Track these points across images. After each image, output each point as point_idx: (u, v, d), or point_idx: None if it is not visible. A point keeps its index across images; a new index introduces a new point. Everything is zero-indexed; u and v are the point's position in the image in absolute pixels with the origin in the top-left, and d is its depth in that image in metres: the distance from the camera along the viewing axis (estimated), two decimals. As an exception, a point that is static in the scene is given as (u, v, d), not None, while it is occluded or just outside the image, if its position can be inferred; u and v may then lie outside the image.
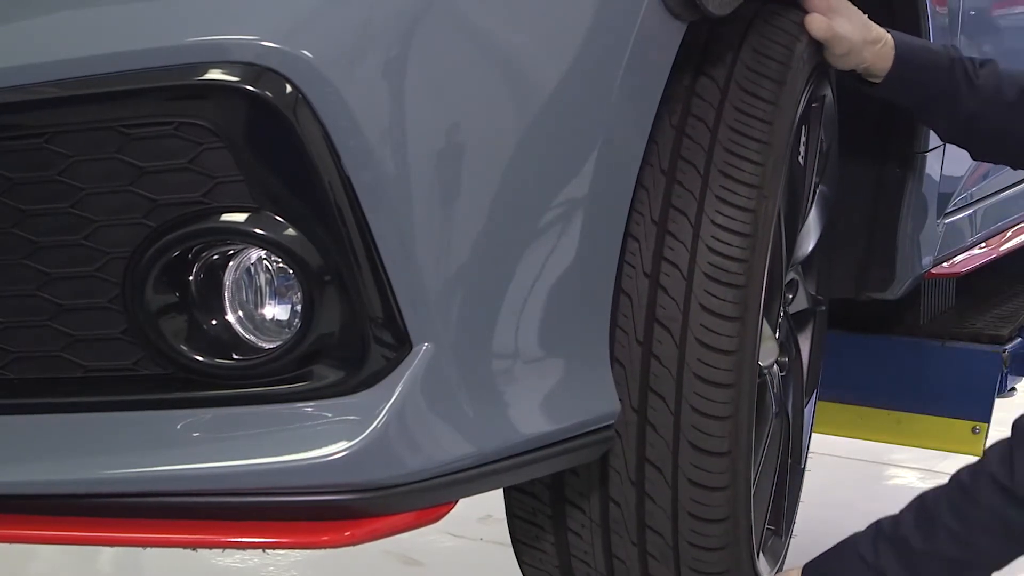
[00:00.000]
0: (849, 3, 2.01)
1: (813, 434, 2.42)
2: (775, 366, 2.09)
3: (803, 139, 2.01)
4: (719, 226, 1.72)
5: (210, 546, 1.52)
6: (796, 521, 2.27)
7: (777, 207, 1.82)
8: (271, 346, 1.46)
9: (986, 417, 2.67)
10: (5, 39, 1.42)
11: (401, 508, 1.48)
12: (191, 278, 1.45)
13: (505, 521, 1.91)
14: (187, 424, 1.46)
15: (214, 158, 1.40)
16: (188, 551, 1.56)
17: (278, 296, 1.47)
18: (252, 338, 1.47)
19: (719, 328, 1.71)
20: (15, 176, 1.43)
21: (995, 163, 2.39)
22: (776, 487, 2.15)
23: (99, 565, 3.15)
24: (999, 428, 2.65)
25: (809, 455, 2.36)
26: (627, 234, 1.72)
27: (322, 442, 1.43)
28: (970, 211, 2.77)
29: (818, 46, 1.95)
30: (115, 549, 3.10)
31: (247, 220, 1.42)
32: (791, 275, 2.18)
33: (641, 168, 1.70)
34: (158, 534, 1.48)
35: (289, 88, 1.38)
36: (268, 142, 1.40)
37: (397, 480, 1.46)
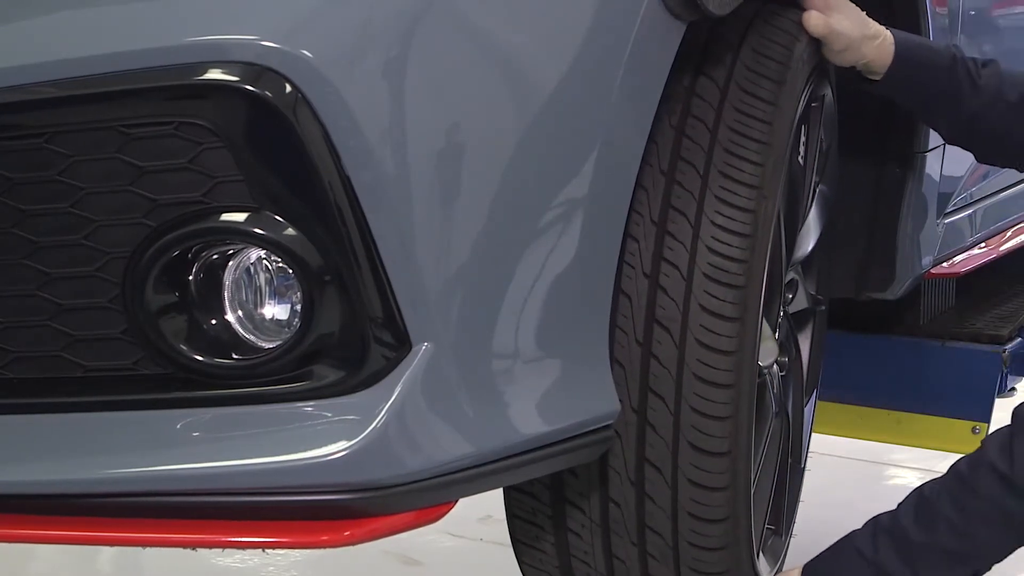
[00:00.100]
0: (847, 0, 2.01)
1: (813, 434, 2.42)
2: (775, 366, 2.09)
3: (803, 139, 2.01)
4: (719, 227, 1.72)
5: (210, 546, 1.52)
6: (796, 521, 2.27)
7: (777, 207, 1.82)
8: (271, 346, 1.46)
9: (986, 417, 2.67)
10: (5, 39, 1.42)
11: (401, 508, 1.48)
12: (191, 278, 1.45)
13: (505, 521, 1.91)
14: (187, 424, 1.46)
15: (214, 158, 1.40)
16: (188, 551, 1.56)
17: (278, 296, 1.47)
18: (252, 338, 1.47)
19: (719, 328, 1.71)
20: (15, 176, 1.43)
21: (1000, 165, 2.39)
22: (776, 487, 2.15)
23: (99, 565, 3.15)
24: (999, 428, 2.65)
25: (809, 455, 2.37)
26: (627, 234, 1.72)
27: (322, 442, 1.43)
28: (970, 211, 2.78)
29: (817, 45, 1.95)
30: (115, 549, 3.10)
31: (247, 220, 1.42)
32: (791, 275, 2.18)
33: (641, 168, 1.70)
34: (158, 534, 1.47)
35: (289, 88, 1.38)
36: (268, 142, 1.40)
37: (397, 480, 1.46)
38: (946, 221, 2.59)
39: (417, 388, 1.46)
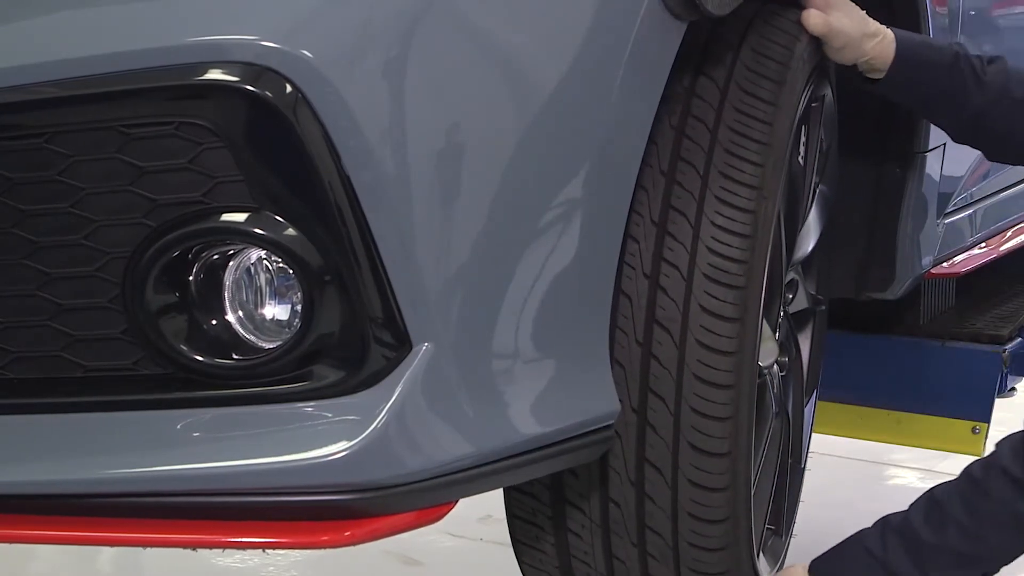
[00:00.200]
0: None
1: (813, 434, 2.42)
2: (775, 366, 2.09)
3: (803, 139, 2.01)
4: (719, 227, 1.72)
5: (210, 546, 1.51)
6: (796, 521, 2.27)
7: (777, 208, 1.82)
8: (271, 346, 1.46)
9: (986, 417, 2.67)
10: (5, 39, 1.42)
11: (401, 508, 1.48)
12: (191, 278, 1.45)
13: (505, 521, 1.91)
14: (187, 424, 1.46)
15: (214, 158, 1.40)
16: (188, 551, 1.56)
17: (278, 296, 1.47)
18: (252, 338, 1.47)
19: (719, 329, 1.71)
20: (15, 176, 1.43)
21: (1010, 163, 2.38)
22: (776, 487, 2.15)
23: (99, 565, 3.15)
24: (999, 428, 2.65)
25: (809, 455, 2.36)
26: (627, 235, 1.72)
27: (322, 442, 1.43)
28: (970, 211, 2.77)
29: (818, 45, 1.95)
30: (115, 549, 3.10)
31: (247, 220, 1.42)
32: (791, 275, 2.18)
33: (641, 169, 1.70)
34: (158, 534, 1.47)
35: (289, 88, 1.38)
36: (268, 142, 1.40)
37: (397, 480, 1.46)
38: (946, 221, 2.59)
39: (417, 388, 1.46)
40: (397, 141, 1.42)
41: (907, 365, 2.74)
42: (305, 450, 1.43)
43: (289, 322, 1.46)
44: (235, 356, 1.46)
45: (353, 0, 1.42)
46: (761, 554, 2.00)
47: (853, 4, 2.01)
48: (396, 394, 1.44)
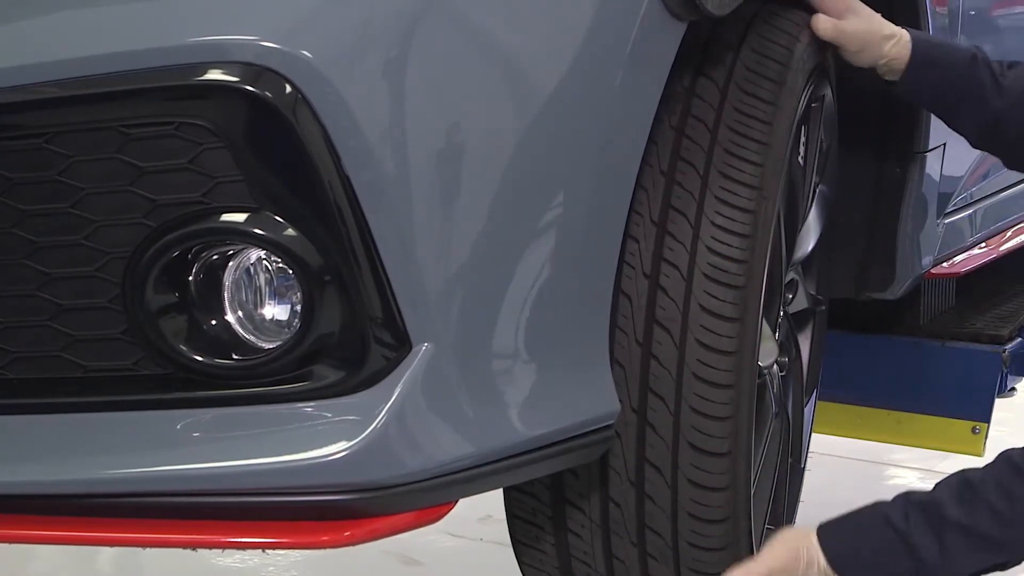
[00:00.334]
0: (859, 1, 2.00)
1: (813, 434, 2.42)
2: (775, 366, 2.09)
3: (803, 139, 2.01)
4: (719, 227, 1.72)
5: (210, 546, 1.51)
6: (796, 521, 2.27)
7: (777, 208, 1.82)
8: (271, 346, 1.46)
9: (986, 417, 2.67)
10: (5, 39, 1.42)
11: (401, 508, 1.48)
12: (191, 278, 1.45)
13: (505, 521, 1.91)
14: (187, 424, 1.46)
15: (214, 158, 1.40)
16: (188, 551, 1.56)
17: (278, 296, 1.47)
18: (252, 338, 1.47)
19: (719, 329, 1.71)
20: (15, 176, 1.43)
21: None
22: (776, 487, 2.15)
23: (99, 565, 3.15)
24: (999, 428, 2.65)
25: (809, 455, 2.36)
26: (627, 235, 1.72)
27: (322, 442, 1.43)
28: (970, 211, 2.77)
29: (818, 45, 1.95)
30: (115, 549, 3.10)
31: (247, 220, 1.42)
32: (791, 275, 2.18)
33: (641, 169, 1.70)
34: (158, 534, 1.48)
35: (289, 88, 1.38)
36: (268, 142, 1.40)
37: (397, 480, 1.46)
38: (946, 221, 2.59)
39: (417, 388, 1.46)
40: (397, 141, 1.42)
41: (907, 365, 2.74)
42: (305, 450, 1.43)
43: (289, 322, 1.46)
44: (235, 356, 1.46)
45: (353, 0, 1.42)
46: (761, 554, 2.00)
47: (868, 8, 2.01)
48: (396, 394, 1.44)
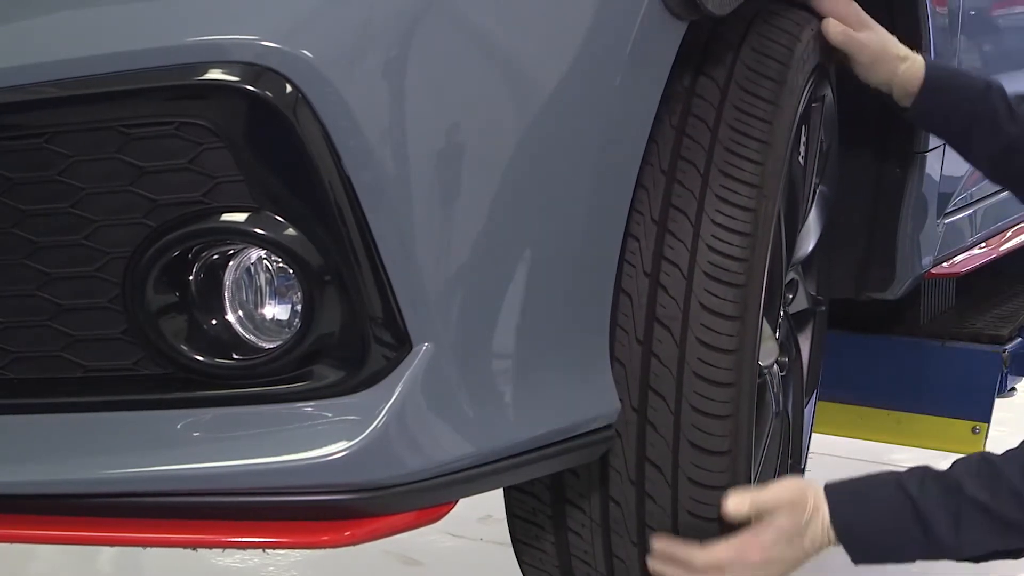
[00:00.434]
0: (876, 23, 2.00)
1: (813, 434, 2.42)
2: (775, 366, 2.09)
3: (803, 139, 2.01)
4: (719, 225, 1.72)
5: (210, 546, 1.52)
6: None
7: (777, 207, 1.82)
8: (271, 346, 1.46)
9: (986, 417, 2.67)
10: (5, 39, 1.42)
11: (401, 508, 1.48)
12: (191, 278, 1.45)
13: (505, 521, 1.91)
14: (187, 424, 1.46)
15: (214, 158, 1.40)
16: (188, 551, 1.56)
17: (278, 296, 1.47)
18: (252, 338, 1.47)
19: (719, 327, 1.71)
20: (15, 176, 1.43)
21: None
22: (776, 487, 2.15)
23: (99, 565, 3.15)
24: (999, 428, 2.65)
25: (809, 455, 2.36)
26: (627, 233, 1.72)
27: (322, 442, 1.43)
28: (970, 211, 2.77)
29: (818, 45, 1.95)
30: (115, 549, 3.10)
31: (247, 220, 1.42)
32: (791, 275, 2.19)
33: (641, 167, 1.70)
34: (158, 534, 1.48)
35: (289, 88, 1.38)
36: (268, 142, 1.40)
37: (397, 480, 1.46)
38: (946, 221, 2.59)
39: (417, 388, 1.46)
40: (397, 141, 1.42)
41: (907, 365, 2.74)
42: (305, 450, 1.43)
43: (289, 322, 1.46)
44: (235, 356, 1.46)
45: (353, 0, 1.42)
46: (761, 554, 2.00)
47: (883, 28, 2.01)
48: (396, 394, 1.44)
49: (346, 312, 1.43)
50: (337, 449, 1.43)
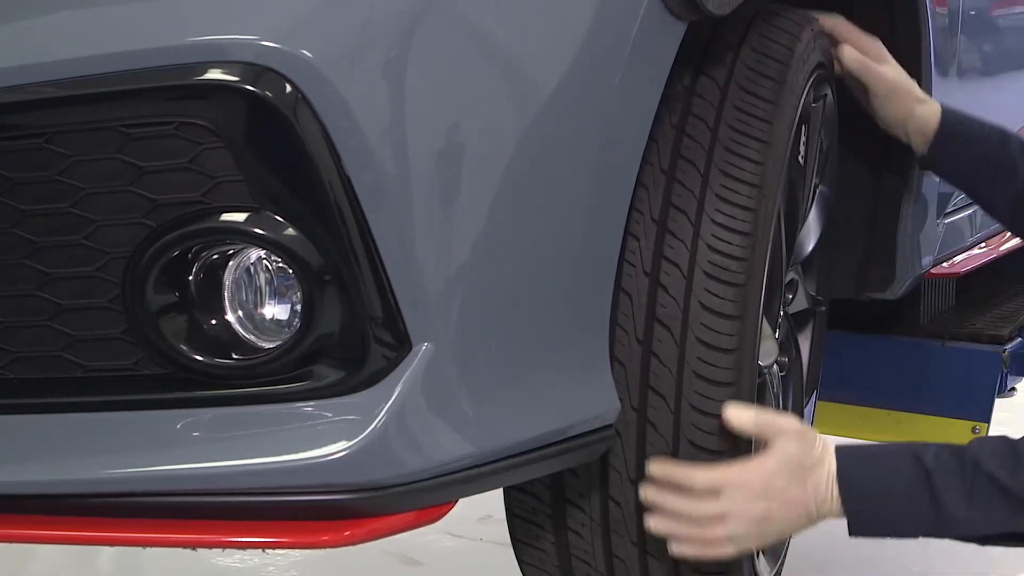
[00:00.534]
0: (894, 60, 2.00)
1: (813, 434, 2.41)
2: (775, 366, 2.09)
3: (803, 139, 2.01)
4: (719, 225, 1.72)
5: (210, 546, 1.52)
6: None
7: (777, 206, 1.82)
8: (271, 346, 1.46)
9: (986, 417, 2.67)
10: (5, 39, 1.42)
11: (401, 508, 1.48)
12: (191, 278, 1.45)
13: (505, 521, 1.91)
14: (187, 424, 1.46)
15: (214, 158, 1.40)
16: (188, 551, 1.56)
17: (278, 296, 1.47)
18: (252, 338, 1.47)
19: (719, 327, 1.71)
20: (15, 176, 1.43)
21: None
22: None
23: (99, 565, 3.15)
24: (999, 428, 2.65)
25: (809, 455, 2.36)
26: (627, 233, 1.72)
27: (322, 442, 1.43)
28: (970, 211, 2.78)
29: (818, 46, 1.95)
30: (115, 549, 3.10)
31: (247, 220, 1.42)
32: (791, 275, 2.19)
33: (641, 167, 1.70)
34: (158, 534, 1.47)
35: (289, 88, 1.38)
36: (268, 142, 1.40)
37: (397, 480, 1.46)
38: (946, 221, 2.59)
39: (417, 388, 1.45)
40: (397, 141, 1.42)
41: (907, 365, 2.74)
42: (305, 450, 1.43)
43: (289, 322, 1.46)
44: (235, 356, 1.46)
45: (353, 0, 1.42)
46: (761, 554, 2.00)
47: (903, 70, 2.00)
48: (396, 394, 1.44)
49: (346, 312, 1.43)
50: (337, 449, 1.43)
